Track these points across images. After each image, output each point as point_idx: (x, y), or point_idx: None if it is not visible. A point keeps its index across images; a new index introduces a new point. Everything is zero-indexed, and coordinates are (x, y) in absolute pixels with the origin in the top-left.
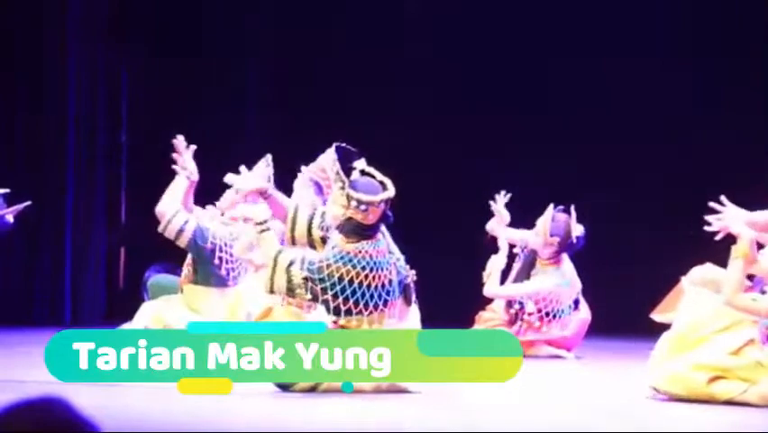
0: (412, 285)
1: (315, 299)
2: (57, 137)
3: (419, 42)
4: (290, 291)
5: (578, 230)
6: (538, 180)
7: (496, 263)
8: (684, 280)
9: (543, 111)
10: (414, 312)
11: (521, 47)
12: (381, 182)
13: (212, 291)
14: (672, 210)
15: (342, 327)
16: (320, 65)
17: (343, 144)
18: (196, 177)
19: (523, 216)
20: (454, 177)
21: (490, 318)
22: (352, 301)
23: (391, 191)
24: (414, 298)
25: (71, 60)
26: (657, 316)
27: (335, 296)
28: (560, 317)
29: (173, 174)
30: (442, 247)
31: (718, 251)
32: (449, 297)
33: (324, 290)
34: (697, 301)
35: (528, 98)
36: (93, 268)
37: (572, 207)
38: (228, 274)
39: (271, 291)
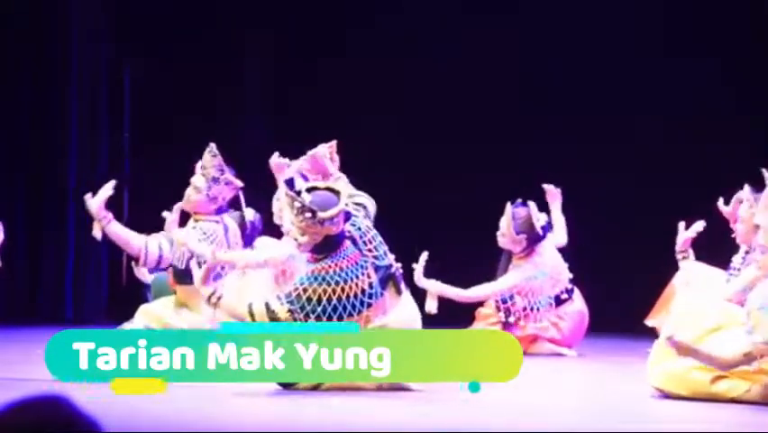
0: (398, 275)
1: None
2: (59, 135)
3: (417, 44)
4: None
5: (541, 220)
6: (540, 180)
7: (434, 289)
8: (675, 281)
9: (544, 111)
10: (406, 301)
11: (515, 44)
12: (327, 188)
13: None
14: (674, 208)
15: None
16: (322, 65)
17: (288, 178)
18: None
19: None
20: (455, 177)
21: (489, 315)
22: (335, 318)
23: (344, 191)
24: (403, 287)
25: (74, 59)
26: (651, 321)
27: (318, 318)
28: (537, 309)
29: (174, 172)
30: (442, 247)
31: (714, 249)
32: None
33: (307, 316)
34: (686, 302)
35: (527, 97)
36: (95, 266)
37: (530, 202)
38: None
39: None
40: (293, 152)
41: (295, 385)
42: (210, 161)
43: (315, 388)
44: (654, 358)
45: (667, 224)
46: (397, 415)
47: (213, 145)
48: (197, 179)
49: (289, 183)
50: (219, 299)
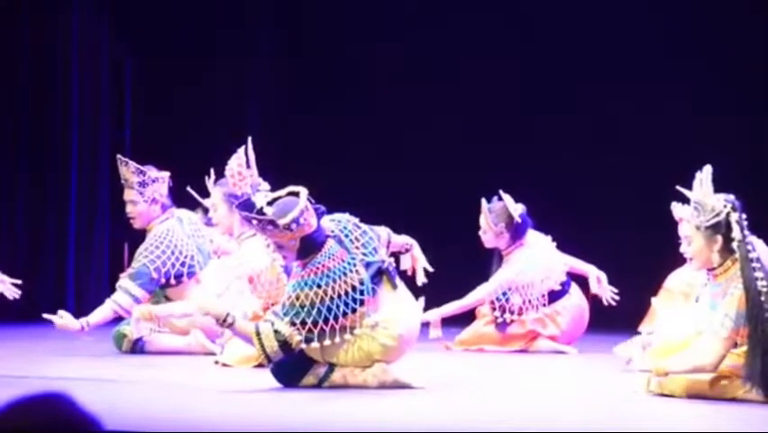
0: (392, 270)
1: (307, 340)
2: (60, 133)
3: (416, 41)
4: (286, 349)
5: (518, 209)
6: (540, 181)
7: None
8: (655, 301)
9: (543, 111)
10: (402, 295)
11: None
12: (289, 193)
13: (188, 283)
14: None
15: (327, 346)
16: (324, 64)
17: (237, 202)
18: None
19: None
20: (453, 177)
21: (487, 314)
22: (332, 319)
23: (302, 190)
24: (398, 281)
25: (74, 56)
26: (643, 329)
27: (315, 323)
28: (530, 302)
29: (173, 169)
30: (442, 246)
31: None
32: (452, 295)
33: (303, 324)
34: (667, 316)
35: (526, 99)
36: (96, 263)
37: (504, 194)
38: (188, 274)
39: (269, 361)
40: (292, 152)
41: (296, 383)
42: (126, 171)
43: (317, 386)
44: (648, 366)
45: (668, 218)
46: (396, 415)
47: (118, 156)
48: (128, 194)
49: (244, 205)
50: (234, 319)
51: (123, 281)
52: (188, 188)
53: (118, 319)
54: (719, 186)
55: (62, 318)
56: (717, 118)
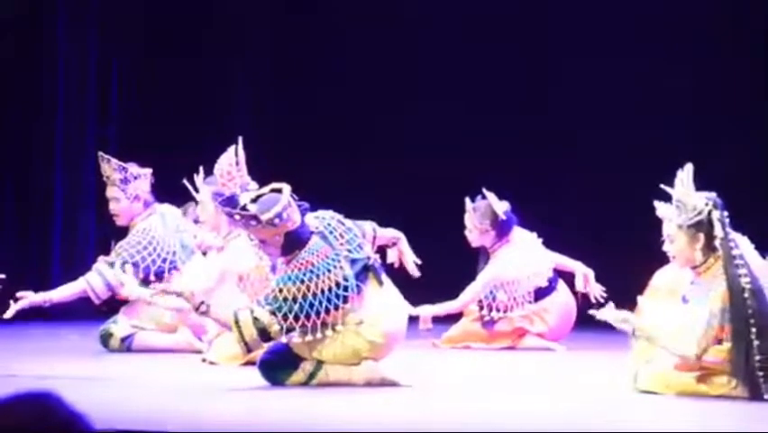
0: (378, 266)
1: (287, 331)
2: (46, 130)
3: (414, 39)
4: (265, 337)
5: (502, 207)
6: (538, 180)
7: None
8: (640, 299)
9: (541, 111)
10: (388, 291)
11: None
12: (272, 190)
13: (170, 279)
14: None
15: (311, 342)
16: (318, 62)
17: (219, 199)
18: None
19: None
20: (448, 176)
21: (475, 310)
22: (314, 314)
23: (285, 186)
24: (384, 277)
25: (61, 53)
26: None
27: (296, 317)
28: (515, 299)
29: (161, 167)
30: (437, 244)
31: None
32: (440, 294)
33: (285, 317)
34: (652, 314)
35: (522, 98)
36: (81, 261)
37: (487, 192)
38: (169, 270)
39: (248, 350)
40: (285, 151)
41: (284, 381)
42: (108, 168)
43: (304, 384)
44: (634, 364)
45: (655, 215)
46: (383, 413)
47: (100, 153)
48: (111, 191)
49: (229, 201)
50: (208, 307)
51: (101, 265)
52: (184, 181)
53: (104, 317)
54: (718, 187)
55: (25, 299)
56: (717, 118)
